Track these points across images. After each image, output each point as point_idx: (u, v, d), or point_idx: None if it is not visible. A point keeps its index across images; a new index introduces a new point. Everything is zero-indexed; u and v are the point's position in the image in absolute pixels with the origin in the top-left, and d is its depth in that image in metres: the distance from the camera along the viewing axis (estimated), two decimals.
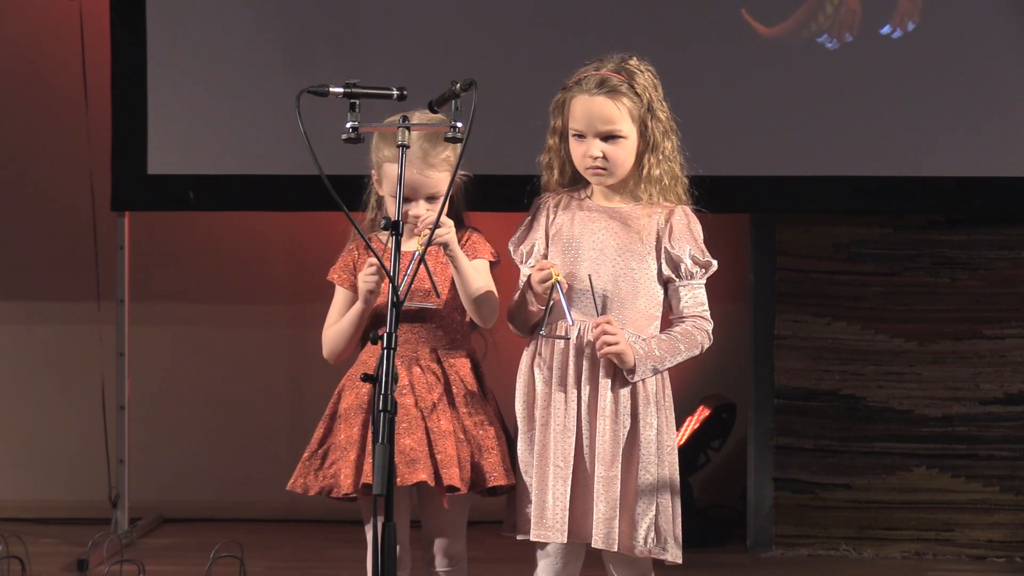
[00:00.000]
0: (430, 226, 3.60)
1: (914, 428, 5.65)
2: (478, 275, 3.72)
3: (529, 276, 3.71)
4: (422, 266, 3.65)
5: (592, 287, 3.66)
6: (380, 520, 3.18)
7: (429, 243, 3.53)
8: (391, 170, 3.68)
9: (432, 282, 3.71)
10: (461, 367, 3.78)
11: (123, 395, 5.76)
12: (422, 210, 3.70)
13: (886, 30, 5.43)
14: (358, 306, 3.75)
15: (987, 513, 5.63)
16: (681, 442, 5.37)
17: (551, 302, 3.67)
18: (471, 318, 3.77)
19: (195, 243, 6.23)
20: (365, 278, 3.70)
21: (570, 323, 3.67)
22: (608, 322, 3.63)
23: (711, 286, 3.77)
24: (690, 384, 5.75)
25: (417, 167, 3.70)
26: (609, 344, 3.61)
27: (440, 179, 3.71)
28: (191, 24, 5.57)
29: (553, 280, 3.63)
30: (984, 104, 5.43)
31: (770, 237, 5.70)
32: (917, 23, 5.43)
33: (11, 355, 6.29)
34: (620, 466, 3.65)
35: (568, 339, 3.69)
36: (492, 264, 3.81)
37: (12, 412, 6.29)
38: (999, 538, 5.63)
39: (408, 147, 3.47)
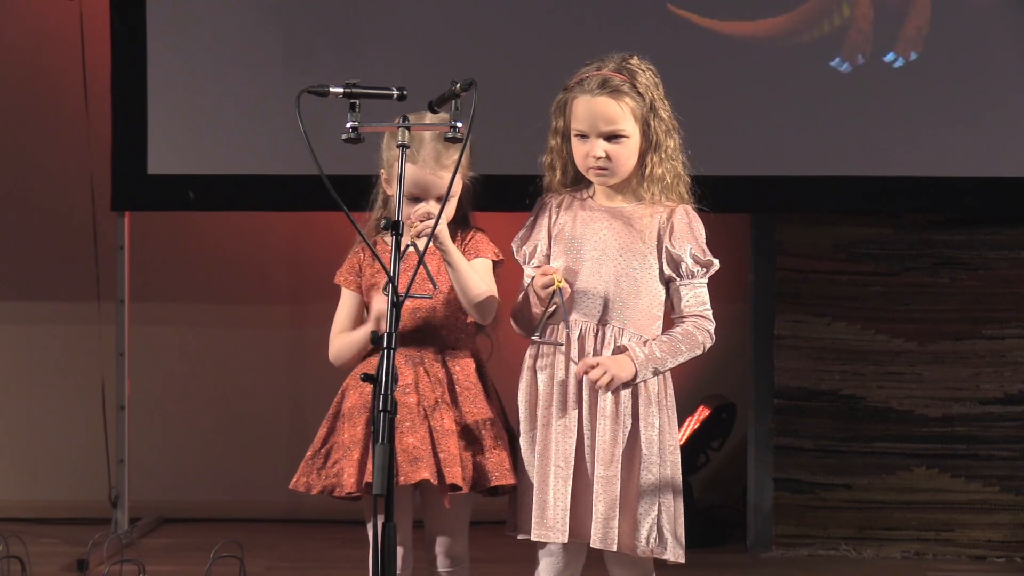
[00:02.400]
0: (423, 218, 3.61)
1: (914, 428, 5.65)
2: (473, 271, 3.72)
3: (532, 279, 3.71)
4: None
5: (563, 305, 3.66)
6: (380, 520, 3.18)
7: (431, 238, 3.53)
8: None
9: (428, 274, 3.69)
10: (465, 367, 3.78)
11: (123, 395, 5.75)
12: (432, 209, 3.69)
13: (889, 57, 5.44)
14: (371, 326, 3.73)
15: (987, 513, 5.63)
16: (681, 442, 5.36)
17: (551, 307, 3.67)
18: (469, 315, 3.78)
19: (195, 243, 6.23)
20: (380, 302, 3.68)
21: (568, 329, 3.67)
22: (589, 367, 3.62)
23: (711, 286, 3.77)
24: (690, 384, 5.75)
25: (430, 168, 3.71)
26: (601, 384, 3.62)
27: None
28: (191, 24, 5.56)
29: (556, 286, 3.63)
30: (984, 104, 5.44)
31: (770, 237, 5.70)
32: (920, 26, 5.43)
33: (11, 355, 6.29)
34: (621, 466, 3.65)
35: (561, 344, 3.68)
36: (495, 264, 3.81)
37: (12, 412, 6.28)
38: (999, 538, 5.63)
39: (408, 147, 3.48)
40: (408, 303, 3.71)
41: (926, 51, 5.44)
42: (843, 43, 5.46)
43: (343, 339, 3.82)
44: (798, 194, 5.56)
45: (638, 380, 3.66)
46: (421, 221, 3.62)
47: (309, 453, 3.78)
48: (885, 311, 5.67)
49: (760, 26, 5.48)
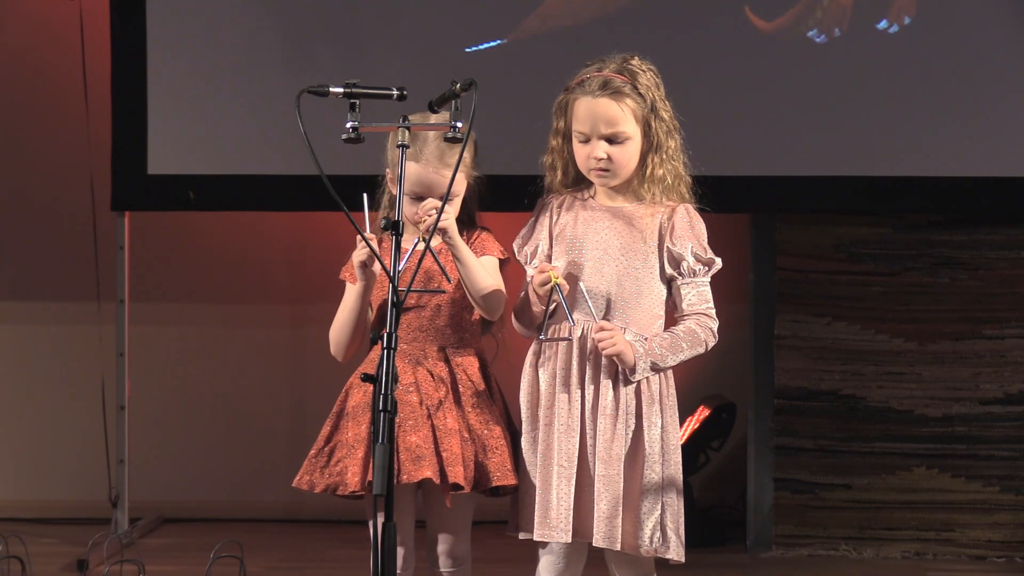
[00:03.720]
0: (430, 212, 3.61)
1: (914, 428, 5.65)
2: (482, 267, 3.73)
3: (531, 277, 3.71)
4: (427, 258, 3.67)
5: (585, 294, 3.66)
6: (380, 520, 3.18)
7: (434, 230, 3.53)
8: (406, 169, 3.68)
9: (440, 266, 3.69)
10: (469, 366, 3.78)
11: (123, 395, 5.76)
12: (438, 202, 3.69)
13: (883, 24, 5.43)
14: (356, 286, 3.74)
15: (987, 513, 5.63)
16: (681, 442, 5.36)
17: (551, 304, 3.67)
18: (478, 313, 3.78)
19: (195, 243, 6.23)
20: (358, 252, 3.70)
21: (572, 324, 3.67)
22: (602, 328, 3.63)
23: (711, 286, 3.77)
24: (690, 384, 5.75)
25: (433, 166, 3.72)
26: (606, 346, 3.62)
27: (456, 180, 3.71)
28: (191, 24, 5.57)
29: (553, 283, 3.63)
30: (984, 104, 5.44)
31: (770, 237, 5.70)
32: (914, 22, 5.43)
33: (11, 355, 6.29)
34: (624, 465, 3.65)
35: (569, 340, 3.68)
36: (502, 262, 3.82)
37: (12, 412, 6.29)
38: (999, 538, 5.63)
39: (408, 147, 3.48)
40: (411, 300, 3.72)
41: (926, 50, 5.44)
42: (831, 24, 5.45)
43: (334, 324, 3.82)
44: (798, 194, 5.56)
45: (636, 376, 3.66)
46: (429, 215, 3.63)
47: (312, 451, 3.78)
48: (885, 311, 5.67)
49: (760, 27, 5.48)
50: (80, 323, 6.13)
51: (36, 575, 5.00)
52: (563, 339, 3.68)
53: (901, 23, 5.42)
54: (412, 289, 3.64)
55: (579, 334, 3.69)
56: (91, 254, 5.97)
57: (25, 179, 6.22)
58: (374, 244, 3.57)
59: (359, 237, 3.66)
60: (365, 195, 3.61)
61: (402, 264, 3.39)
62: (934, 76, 5.44)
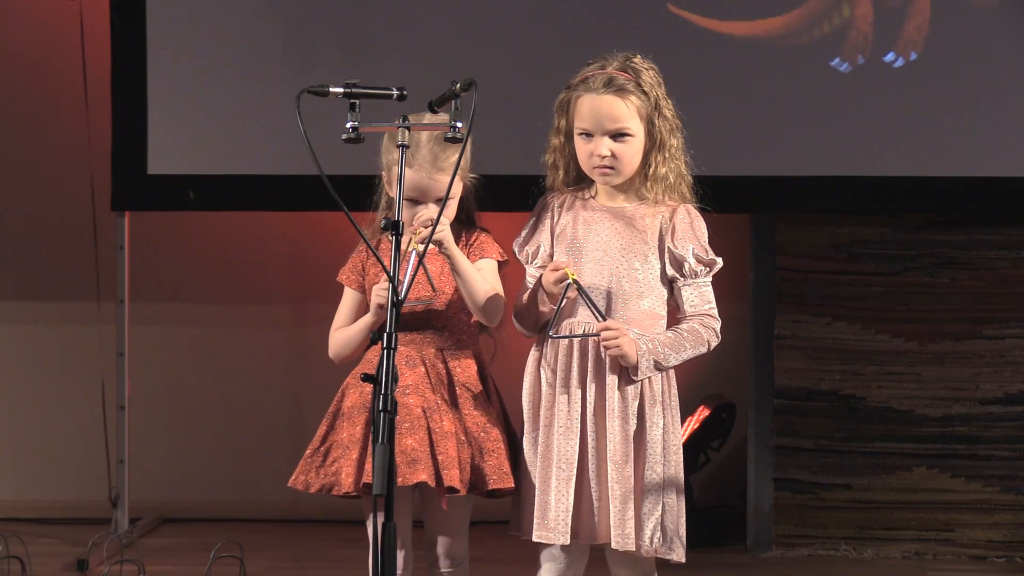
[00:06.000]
0: (426, 224, 3.61)
1: (914, 428, 5.65)
2: (479, 274, 3.73)
3: (540, 277, 3.70)
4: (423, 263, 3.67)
5: (585, 294, 3.65)
6: (380, 520, 3.18)
7: (428, 241, 3.53)
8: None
9: (428, 277, 3.70)
10: (466, 368, 3.78)
11: (123, 395, 5.76)
12: (433, 214, 3.69)
13: (889, 57, 5.44)
14: (369, 318, 3.76)
15: (987, 513, 5.63)
16: (681, 442, 5.36)
17: (563, 302, 3.66)
18: (475, 317, 3.78)
19: (195, 243, 6.23)
20: (378, 292, 3.70)
21: (601, 318, 3.64)
22: (608, 327, 3.63)
23: (711, 286, 3.77)
24: (690, 384, 5.75)
25: (427, 171, 3.71)
26: (610, 346, 3.61)
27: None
28: (191, 24, 5.56)
29: (569, 280, 3.62)
30: (984, 104, 5.44)
31: (770, 237, 5.70)
32: (919, 26, 5.44)
33: (11, 355, 6.29)
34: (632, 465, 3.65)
35: (580, 336, 3.66)
36: (500, 264, 3.82)
37: (12, 412, 6.28)
38: (999, 538, 5.63)
39: (408, 147, 3.48)
40: (407, 307, 3.72)
41: (926, 51, 5.44)
42: (843, 43, 5.46)
43: (341, 334, 3.84)
44: (798, 194, 5.56)
45: (639, 376, 3.65)
46: (424, 227, 3.62)
47: (308, 451, 3.78)
48: (885, 311, 5.67)
49: (760, 26, 5.48)
50: (80, 323, 6.13)
51: (36, 575, 5.00)
52: (577, 335, 3.67)
53: (907, 58, 5.42)
54: (403, 301, 3.64)
55: (582, 332, 3.68)
56: (91, 254, 5.97)
57: (25, 179, 6.22)
58: (385, 262, 3.54)
59: (378, 287, 3.66)
60: (389, 232, 3.53)
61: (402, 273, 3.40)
62: (934, 76, 5.44)
